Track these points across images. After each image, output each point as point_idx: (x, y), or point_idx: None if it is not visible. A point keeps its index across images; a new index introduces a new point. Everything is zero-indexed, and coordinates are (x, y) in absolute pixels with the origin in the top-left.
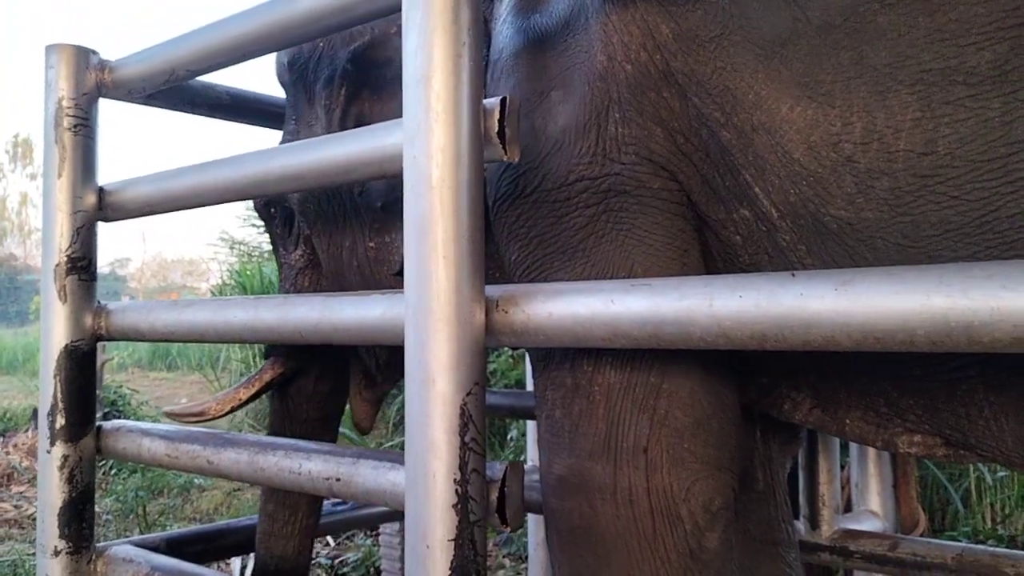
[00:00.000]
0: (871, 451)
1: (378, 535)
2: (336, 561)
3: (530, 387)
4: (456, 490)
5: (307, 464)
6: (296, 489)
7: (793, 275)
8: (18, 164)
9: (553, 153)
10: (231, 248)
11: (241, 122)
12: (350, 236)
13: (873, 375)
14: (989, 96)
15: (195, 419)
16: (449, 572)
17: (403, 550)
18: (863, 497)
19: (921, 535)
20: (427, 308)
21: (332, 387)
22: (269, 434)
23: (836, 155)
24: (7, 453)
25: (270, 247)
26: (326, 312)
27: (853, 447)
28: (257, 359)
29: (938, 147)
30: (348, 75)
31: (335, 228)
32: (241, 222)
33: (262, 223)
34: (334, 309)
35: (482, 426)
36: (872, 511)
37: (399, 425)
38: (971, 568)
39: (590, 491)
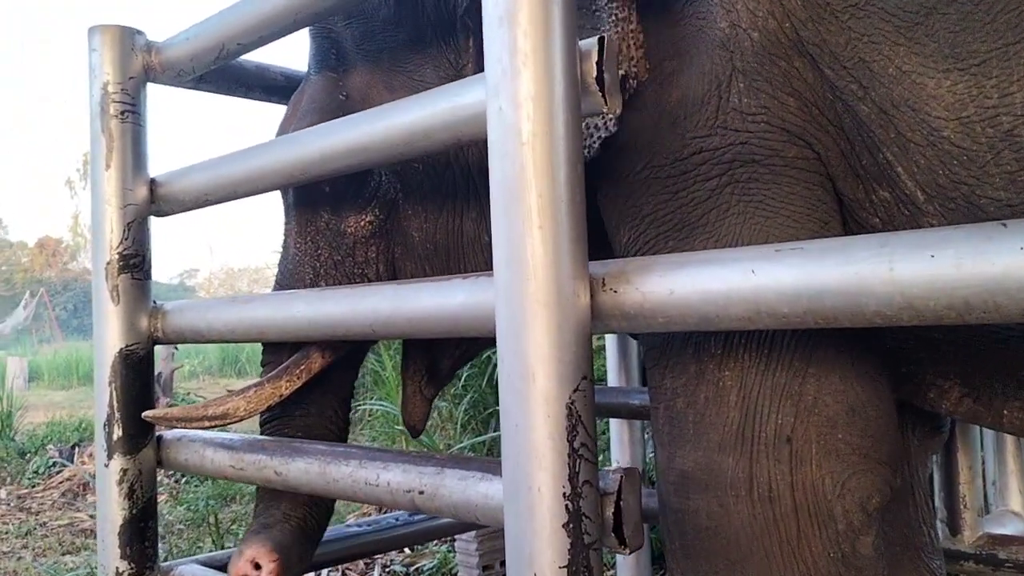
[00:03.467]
0: (1010, 444)
1: (454, 541)
2: (412, 568)
3: (613, 382)
4: (566, 506)
5: (385, 475)
6: (373, 502)
7: (1005, 225)
8: (89, 181)
9: (666, 127)
10: None
11: None
12: (476, 207)
13: None
14: None
15: (219, 423)
16: None
17: (481, 556)
18: (1002, 496)
19: None
20: (522, 289)
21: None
22: (282, 434)
23: (994, 131)
24: (82, 463)
25: None
26: (400, 302)
27: (988, 440)
28: None
29: None
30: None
31: (453, 196)
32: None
33: None
34: (409, 298)
35: (593, 428)
36: (1015, 512)
37: (467, 425)
38: None
39: (720, 488)
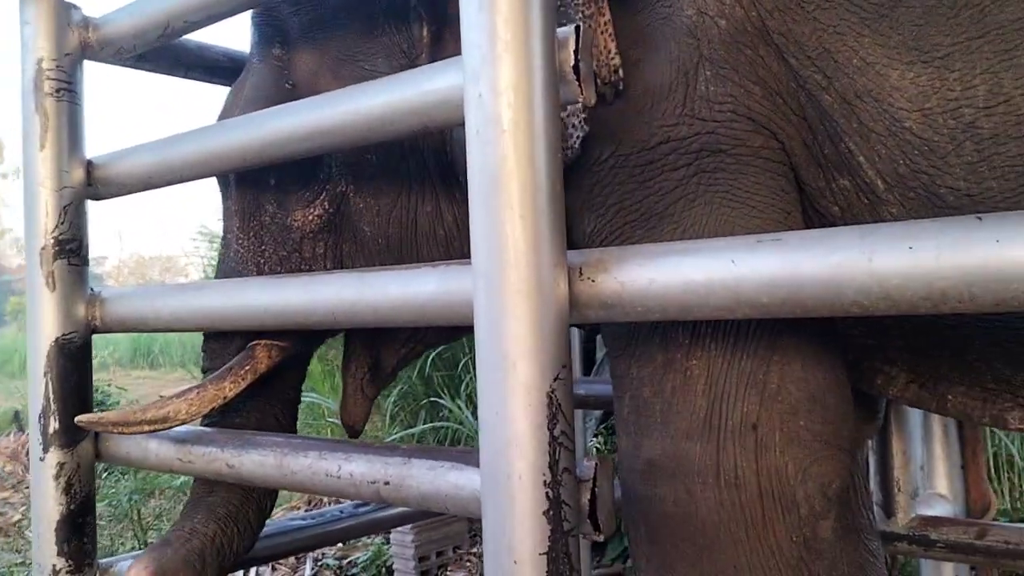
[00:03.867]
0: (937, 430)
1: (388, 533)
2: (345, 562)
3: None
4: (547, 494)
5: (348, 466)
6: (335, 495)
7: (980, 219)
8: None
9: (632, 116)
10: (210, 243)
11: None
12: (432, 200)
13: (981, 350)
14: None
15: (159, 427)
16: None
17: (417, 547)
18: (930, 480)
19: (994, 519)
20: (502, 278)
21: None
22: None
23: (955, 122)
24: None
25: None
26: (365, 290)
27: (916, 425)
28: None
29: None
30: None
31: (408, 188)
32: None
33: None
34: (374, 286)
35: (572, 417)
36: (941, 494)
37: (396, 417)
38: None
39: (687, 475)
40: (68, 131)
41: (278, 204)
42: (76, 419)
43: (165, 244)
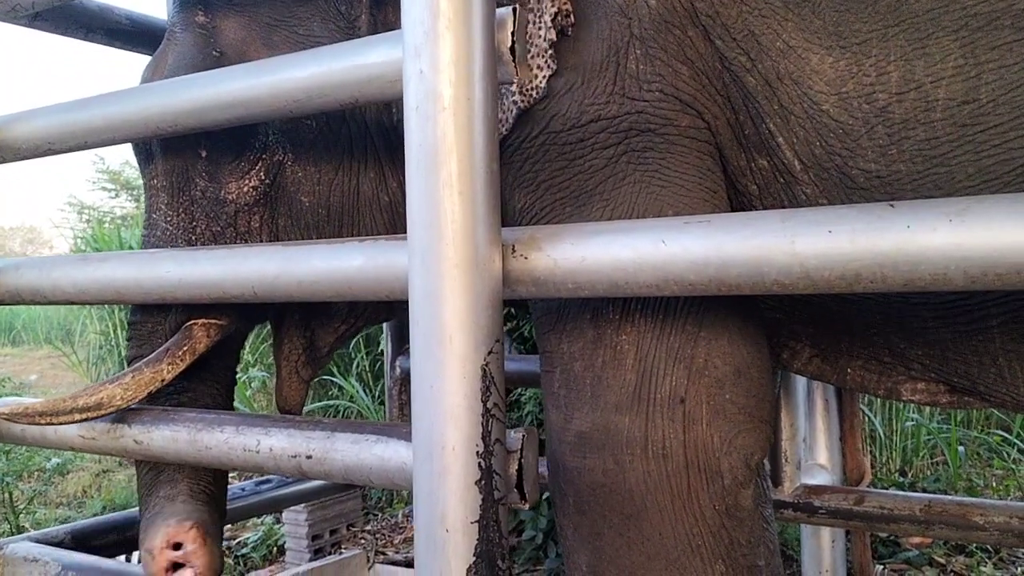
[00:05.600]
0: (819, 404)
1: (280, 512)
2: (235, 542)
3: None
4: (479, 464)
5: (267, 440)
6: (253, 470)
7: (893, 206)
8: None
9: (563, 93)
10: (79, 214)
11: (143, 52)
12: (375, 166)
13: (880, 325)
14: None
15: (92, 415)
16: (474, 559)
17: (311, 526)
18: (811, 452)
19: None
20: (439, 253)
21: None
22: None
23: (869, 106)
24: None
25: (123, 212)
26: (288, 264)
27: (799, 400)
28: (122, 329)
29: (980, 95)
30: None
31: (349, 154)
32: (91, 185)
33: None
34: (298, 260)
35: (503, 390)
36: (821, 464)
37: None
38: (940, 519)
39: (616, 446)
40: None
41: (210, 177)
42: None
43: (26, 214)
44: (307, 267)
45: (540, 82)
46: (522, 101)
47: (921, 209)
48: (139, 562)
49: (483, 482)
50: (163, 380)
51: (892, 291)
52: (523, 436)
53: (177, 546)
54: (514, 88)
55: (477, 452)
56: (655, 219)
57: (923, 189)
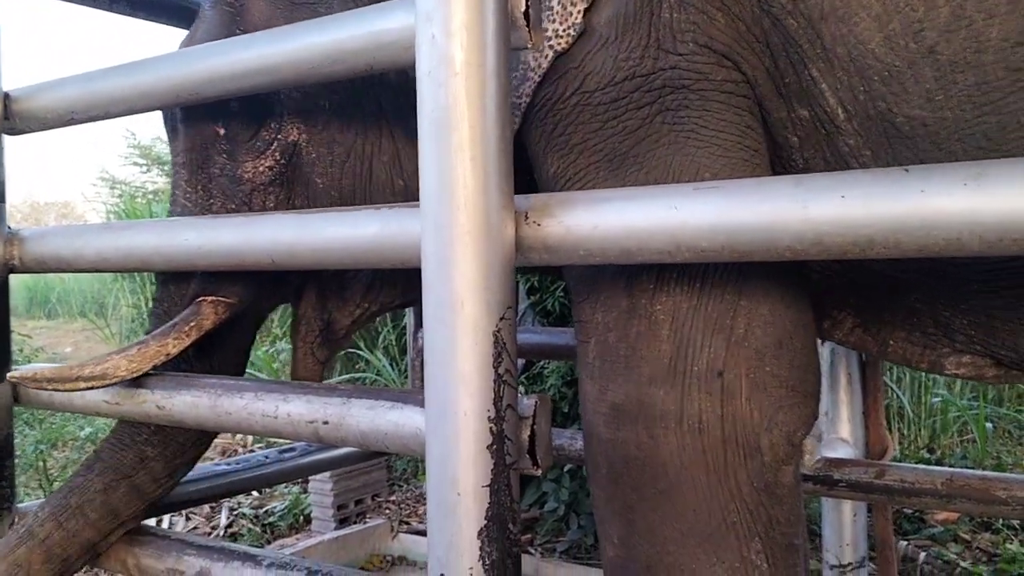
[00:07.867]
0: (842, 378)
1: (306, 483)
2: (262, 511)
3: None
4: (491, 429)
5: (285, 407)
6: (272, 435)
7: (907, 170)
8: None
9: (596, 50)
10: (111, 188)
11: (165, 23)
12: (389, 149)
13: (925, 294)
14: None
15: (96, 384)
16: (485, 522)
17: (336, 496)
18: (833, 425)
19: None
20: (451, 219)
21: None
22: None
23: (916, 45)
24: None
25: (154, 187)
26: (302, 231)
27: (823, 375)
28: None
29: None
30: None
31: (364, 136)
32: (123, 160)
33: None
34: (313, 227)
35: (515, 356)
36: (843, 438)
37: (280, 372)
38: (962, 492)
39: (651, 419)
40: None
41: (227, 155)
42: (8, 376)
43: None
44: (322, 235)
45: (576, 18)
46: (559, 44)
47: (935, 173)
48: (169, 527)
49: (494, 447)
50: (168, 354)
51: (906, 256)
52: (536, 403)
53: None
54: (549, 32)
55: (489, 417)
56: (667, 185)
57: (972, 140)
